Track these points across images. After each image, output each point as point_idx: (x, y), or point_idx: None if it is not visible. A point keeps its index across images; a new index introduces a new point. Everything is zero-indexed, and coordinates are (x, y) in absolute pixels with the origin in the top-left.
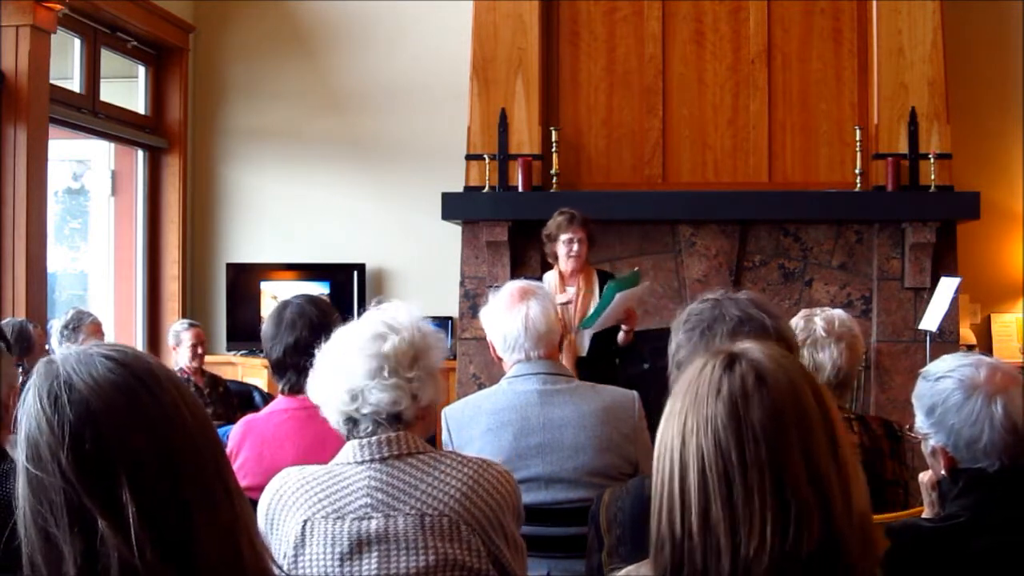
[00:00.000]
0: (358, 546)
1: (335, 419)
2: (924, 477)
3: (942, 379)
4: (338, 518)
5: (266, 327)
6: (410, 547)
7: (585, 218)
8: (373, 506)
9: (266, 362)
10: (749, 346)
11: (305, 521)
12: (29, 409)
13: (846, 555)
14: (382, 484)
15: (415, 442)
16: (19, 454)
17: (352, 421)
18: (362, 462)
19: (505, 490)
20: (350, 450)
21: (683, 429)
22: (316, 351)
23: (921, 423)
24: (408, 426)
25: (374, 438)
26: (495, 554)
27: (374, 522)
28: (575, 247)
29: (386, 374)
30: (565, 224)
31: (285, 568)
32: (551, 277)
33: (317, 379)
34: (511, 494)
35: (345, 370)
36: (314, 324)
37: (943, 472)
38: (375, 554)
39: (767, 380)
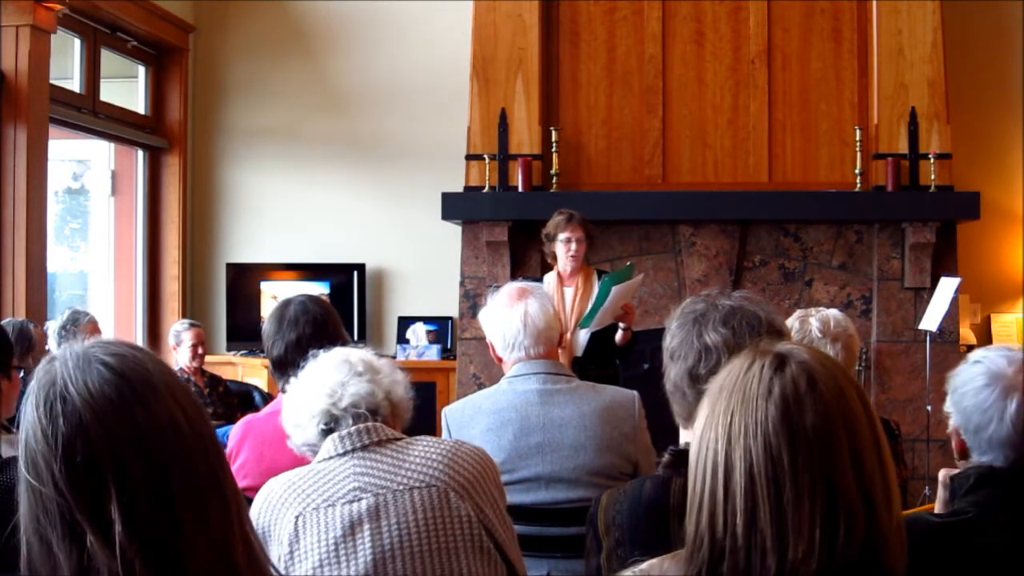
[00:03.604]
0: (350, 527)
1: (313, 429)
2: (943, 474)
3: (977, 363)
4: (329, 506)
5: (267, 325)
6: (400, 521)
7: (584, 218)
8: (362, 488)
9: (266, 362)
10: (794, 347)
11: (297, 517)
12: (28, 417)
13: (887, 556)
14: (367, 469)
15: (391, 431)
16: (20, 461)
17: (333, 420)
18: (344, 453)
19: (483, 461)
20: (330, 444)
21: (729, 430)
22: (319, 349)
23: (947, 402)
24: (384, 421)
25: (352, 429)
26: (485, 524)
27: (364, 502)
28: (573, 247)
29: (360, 371)
30: (564, 224)
31: (282, 568)
32: (550, 278)
33: (290, 405)
34: (490, 467)
35: (319, 381)
36: (317, 321)
37: (956, 455)
38: (367, 531)
39: (818, 383)
